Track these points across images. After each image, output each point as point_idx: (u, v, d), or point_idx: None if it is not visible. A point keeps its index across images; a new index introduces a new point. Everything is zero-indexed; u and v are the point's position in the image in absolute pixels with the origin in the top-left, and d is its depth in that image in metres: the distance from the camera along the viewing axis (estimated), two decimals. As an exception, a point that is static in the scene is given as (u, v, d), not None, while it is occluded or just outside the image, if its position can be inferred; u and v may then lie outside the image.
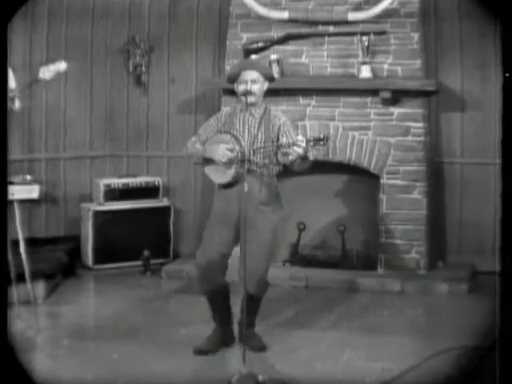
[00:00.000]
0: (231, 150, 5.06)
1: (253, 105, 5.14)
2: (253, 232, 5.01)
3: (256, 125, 5.15)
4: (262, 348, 5.18)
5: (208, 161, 5.22)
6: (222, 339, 5.27)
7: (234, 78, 5.22)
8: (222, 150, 5.10)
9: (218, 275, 5.16)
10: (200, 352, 5.15)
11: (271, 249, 5.19)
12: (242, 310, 4.98)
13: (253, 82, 5.12)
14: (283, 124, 5.16)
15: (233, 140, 5.07)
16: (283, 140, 5.03)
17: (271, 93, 5.45)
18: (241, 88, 5.14)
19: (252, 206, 4.99)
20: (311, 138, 4.80)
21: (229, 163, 5.07)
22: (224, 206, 5.17)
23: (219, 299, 5.25)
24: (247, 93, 5.09)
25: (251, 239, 4.98)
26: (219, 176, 5.19)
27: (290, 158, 4.85)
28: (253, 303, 5.14)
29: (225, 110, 5.50)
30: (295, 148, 4.78)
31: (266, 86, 5.22)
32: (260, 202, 5.10)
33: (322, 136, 4.79)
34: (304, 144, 4.76)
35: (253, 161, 5.08)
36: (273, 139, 5.11)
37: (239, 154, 5.02)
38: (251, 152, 5.03)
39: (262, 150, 5.07)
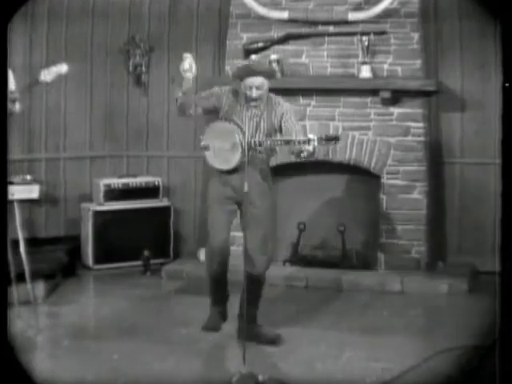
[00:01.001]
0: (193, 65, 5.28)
1: (257, 107, 5.18)
2: (254, 211, 5.15)
3: (259, 113, 5.21)
4: (278, 337, 5.28)
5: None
6: (221, 316, 5.46)
7: (239, 78, 5.27)
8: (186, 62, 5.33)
9: (225, 258, 5.30)
10: (207, 328, 5.40)
11: (271, 224, 5.35)
12: (241, 303, 5.03)
13: (258, 88, 5.17)
14: (286, 112, 5.25)
15: (236, 128, 5.12)
16: (293, 137, 5.07)
17: (271, 93, 5.45)
18: (247, 93, 5.17)
19: (251, 186, 5.00)
20: (324, 137, 4.91)
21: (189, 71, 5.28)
22: (223, 191, 5.26)
23: (221, 280, 5.37)
24: (253, 99, 5.14)
25: (253, 218, 5.13)
26: (222, 162, 5.24)
27: (302, 155, 4.95)
28: (254, 287, 5.18)
29: (227, 88, 5.40)
30: (307, 146, 4.89)
31: (268, 84, 5.27)
32: (259, 177, 5.22)
33: (334, 136, 4.94)
34: (316, 142, 4.89)
35: (256, 146, 5.14)
36: (275, 127, 5.22)
37: (243, 143, 5.06)
38: (256, 143, 5.09)
39: (269, 142, 5.11)
